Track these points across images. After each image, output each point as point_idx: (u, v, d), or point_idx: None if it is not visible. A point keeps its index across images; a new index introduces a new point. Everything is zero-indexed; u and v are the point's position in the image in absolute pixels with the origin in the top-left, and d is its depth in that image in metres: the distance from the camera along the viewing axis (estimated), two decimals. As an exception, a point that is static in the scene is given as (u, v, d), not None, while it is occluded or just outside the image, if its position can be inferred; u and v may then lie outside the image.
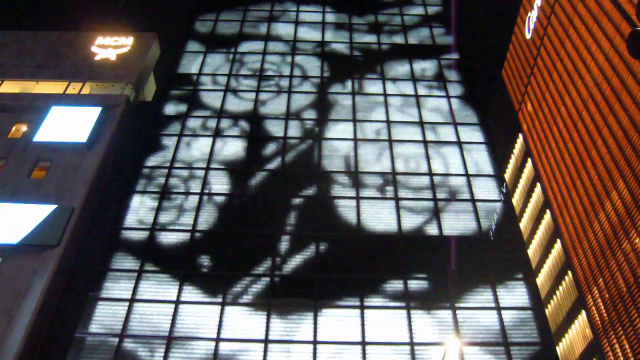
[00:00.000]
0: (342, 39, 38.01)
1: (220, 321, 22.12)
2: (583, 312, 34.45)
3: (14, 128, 30.48)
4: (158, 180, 27.74)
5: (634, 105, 30.27)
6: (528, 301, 23.11)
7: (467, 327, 22.02)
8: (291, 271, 23.90)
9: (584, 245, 35.02)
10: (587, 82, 36.76)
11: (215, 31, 38.71)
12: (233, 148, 29.47)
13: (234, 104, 32.43)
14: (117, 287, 23.18)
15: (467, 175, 28.14)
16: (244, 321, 22.23)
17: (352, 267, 24.04)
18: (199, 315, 22.38)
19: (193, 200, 26.74)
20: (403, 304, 22.76)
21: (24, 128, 30.52)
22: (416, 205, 26.71)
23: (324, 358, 21.14)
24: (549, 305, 39.76)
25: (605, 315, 31.34)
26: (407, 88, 33.57)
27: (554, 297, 39.29)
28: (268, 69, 35.08)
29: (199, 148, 29.53)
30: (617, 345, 29.56)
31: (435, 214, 26.29)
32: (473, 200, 26.82)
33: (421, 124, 31.05)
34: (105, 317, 22.24)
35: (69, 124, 29.55)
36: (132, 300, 22.71)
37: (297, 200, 26.75)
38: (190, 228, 25.47)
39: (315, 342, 21.54)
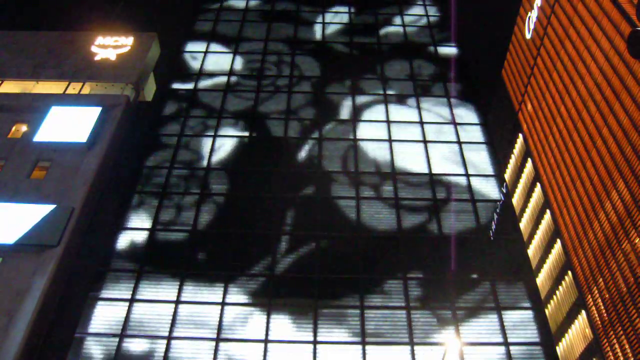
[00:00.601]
0: (342, 38, 38.00)
1: (220, 321, 22.12)
2: (583, 312, 34.44)
3: (14, 128, 30.46)
4: (158, 180, 27.74)
5: (634, 105, 30.27)
6: (528, 301, 23.10)
7: (467, 327, 22.02)
8: (291, 271, 23.89)
9: (584, 245, 35.01)
10: (587, 82, 36.75)
11: (215, 31, 38.69)
12: (233, 147, 29.45)
13: (234, 104, 32.41)
14: (117, 287, 23.18)
15: (467, 175, 28.13)
16: (244, 321, 22.22)
17: (353, 267, 24.03)
18: (199, 315, 22.37)
19: (193, 200, 26.72)
20: (403, 304, 22.76)
21: (23, 128, 30.51)
22: (416, 205, 26.71)
23: (324, 358, 21.14)
24: (549, 305, 39.75)
25: (605, 315, 31.33)
26: (407, 88, 33.56)
27: (554, 297, 39.28)
28: (268, 69, 35.06)
29: (199, 148, 29.51)
30: (617, 345, 29.56)
31: (435, 214, 26.29)
32: (473, 200, 26.81)
33: (421, 123, 31.04)
34: (105, 317, 22.24)
35: (69, 124, 29.54)
36: (132, 300, 22.72)
37: (297, 200, 26.74)
38: (190, 228, 25.46)
39: (315, 342, 21.53)
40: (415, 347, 21.33)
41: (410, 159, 29.02)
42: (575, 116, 38.25)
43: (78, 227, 25.43)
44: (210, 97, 33.04)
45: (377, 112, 31.91)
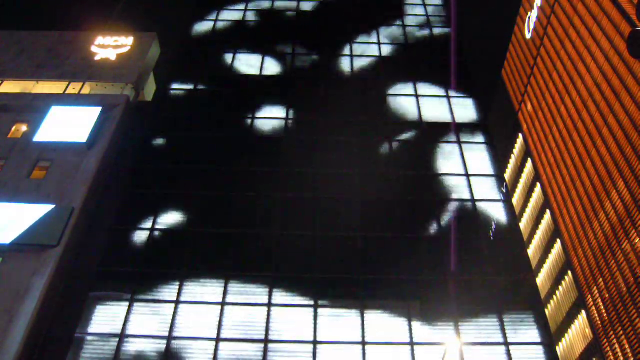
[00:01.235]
0: (341, 38, 37.99)
1: (220, 321, 22.13)
2: (583, 312, 34.50)
3: (14, 128, 30.50)
4: (158, 180, 27.72)
5: (634, 105, 30.31)
6: (528, 301, 23.10)
7: (467, 327, 22.02)
8: (291, 271, 23.89)
9: (584, 245, 35.05)
10: (587, 82, 36.79)
11: (215, 31, 38.70)
12: (233, 148, 29.45)
13: (233, 105, 32.40)
14: (118, 287, 23.17)
15: (467, 175, 28.14)
16: (244, 321, 22.24)
17: (352, 266, 24.04)
18: (199, 315, 22.39)
19: (193, 200, 26.73)
20: (403, 304, 22.76)
21: (24, 128, 30.54)
22: (416, 205, 26.70)
23: (324, 358, 21.15)
24: (549, 305, 39.80)
25: (605, 315, 31.37)
26: (407, 88, 33.56)
27: (554, 297, 39.33)
28: (267, 68, 35.06)
29: (199, 148, 29.51)
30: (617, 345, 29.58)
31: (435, 214, 26.28)
32: (473, 200, 26.82)
33: (421, 123, 31.04)
34: (105, 317, 22.24)
35: (69, 124, 29.57)
36: (132, 301, 22.72)
37: (297, 200, 26.75)
38: (189, 228, 25.47)
39: (315, 342, 21.55)
40: (415, 347, 21.33)
41: (410, 159, 28.99)
42: (575, 116, 38.29)
43: (78, 227, 25.46)
44: (210, 97, 33.00)
45: (376, 110, 31.87)
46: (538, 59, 47.85)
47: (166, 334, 21.72)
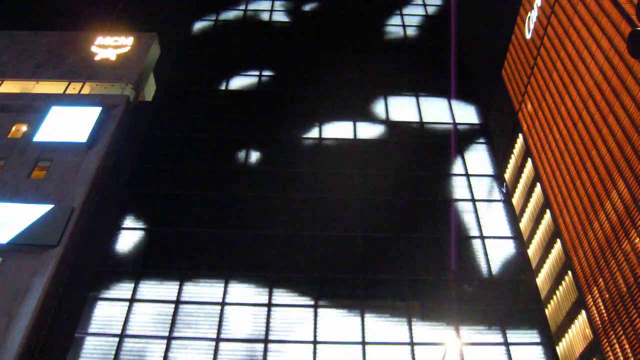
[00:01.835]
0: (341, 38, 37.98)
1: (221, 321, 22.13)
2: (583, 312, 34.48)
3: (14, 128, 30.51)
4: (158, 180, 27.70)
5: (634, 105, 30.29)
6: (528, 301, 23.10)
7: (467, 327, 22.02)
8: (291, 271, 23.89)
9: (584, 245, 35.04)
10: (587, 82, 36.78)
11: (215, 31, 38.67)
12: (233, 148, 29.44)
13: (233, 104, 32.39)
14: (117, 287, 23.17)
15: (467, 175, 28.14)
16: (244, 321, 22.24)
17: (352, 267, 24.03)
18: (199, 315, 22.39)
19: (193, 200, 26.72)
20: (403, 304, 22.76)
21: (24, 128, 30.55)
22: (416, 205, 26.70)
23: (324, 358, 21.15)
24: (549, 305, 39.78)
25: (605, 315, 31.36)
26: (407, 87, 33.52)
27: (554, 297, 39.32)
28: (267, 68, 35.03)
29: (199, 148, 29.50)
30: (617, 345, 29.58)
31: (435, 214, 26.28)
32: (473, 201, 26.82)
33: (421, 123, 31.03)
34: (105, 317, 22.24)
35: (69, 124, 29.58)
36: (132, 300, 22.71)
37: (297, 200, 26.75)
38: (189, 228, 25.45)
39: (315, 342, 21.55)
40: (415, 347, 21.33)
41: (410, 159, 28.99)
42: (575, 116, 38.28)
43: (78, 227, 25.46)
44: (209, 97, 32.99)
45: (376, 111, 31.87)
46: (538, 59, 47.85)
47: (166, 334, 21.72)
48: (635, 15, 31.47)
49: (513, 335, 21.79)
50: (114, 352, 21.15)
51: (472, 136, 30.41)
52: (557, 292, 39.12)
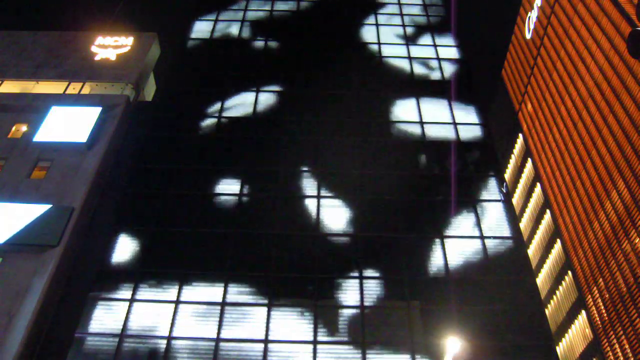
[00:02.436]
0: (341, 38, 37.99)
1: (220, 321, 22.14)
2: (583, 312, 34.50)
3: (14, 128, 30.51)
4: (157, 180, 27.70)
5: (634, 105, 30.31)
6: (528, 301, 23.10)
7: (467, 327, 22.02)
8: (291, 271, 23.89)
9: (584, 245, 35.05)
10: (587, 82, 36.79)
11: (215, 31, 38.68)
12: (233, 148, 29.45)
13: (233, 104, 32.41)
14: (117, 287, 23.17)
15: (467, 175, 28.14)
16: (244, 321, 22.25)
17: (352, 266, 24.04)
18: (199, 315, 22.39)
19: (193, 199, 26.72)
20: (403, 304, 22.77)
21: (24, 128, 30.55)
22: (416, 205, 26.71)
23: (324, 358, 21.17)
24: (549, 305, 39.81)
25: (605, 315, 31.37)
26: (407, 88, 33.54)
27: (554, 297, 39.34)
28: (267, 68, 35.03)
29: (199, 148, 29.50)
30: (617, 345, 29.58)
31: (435, 214, 26.28)
32: (473, 201, 26.83)
33: (421, 123, 31.04)
34: (105, 317, 22.25)
35: (69, 124, 29.58)
36: (132, 300, 22.72)
37: (297, 200, 26.76)
38: (190, 228, 25.46)
39: (315, 342, 21.56)
40: (415, 347, 21.33)
41: (410, 159, 29.00)
42: (575, 116, 38.29)
43: (78, 227, 25.47)
44: (209, 98, 32.99)
45: (376, 112, 31.88)
46: (538, 59, 47.84)
47: (166, 334, 21.72)
48: (635, 15, 31.49)
49: (513, 335, 21.80)
50: (114, 352, 21.16)
51: (472, 136, 30.41)
52: (557, 292, 39.12)
